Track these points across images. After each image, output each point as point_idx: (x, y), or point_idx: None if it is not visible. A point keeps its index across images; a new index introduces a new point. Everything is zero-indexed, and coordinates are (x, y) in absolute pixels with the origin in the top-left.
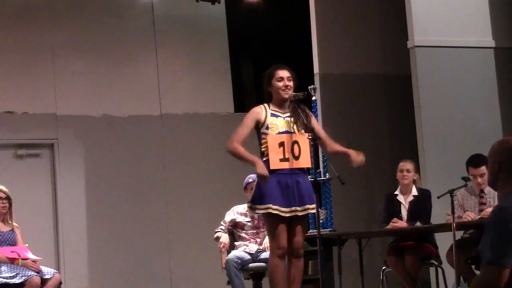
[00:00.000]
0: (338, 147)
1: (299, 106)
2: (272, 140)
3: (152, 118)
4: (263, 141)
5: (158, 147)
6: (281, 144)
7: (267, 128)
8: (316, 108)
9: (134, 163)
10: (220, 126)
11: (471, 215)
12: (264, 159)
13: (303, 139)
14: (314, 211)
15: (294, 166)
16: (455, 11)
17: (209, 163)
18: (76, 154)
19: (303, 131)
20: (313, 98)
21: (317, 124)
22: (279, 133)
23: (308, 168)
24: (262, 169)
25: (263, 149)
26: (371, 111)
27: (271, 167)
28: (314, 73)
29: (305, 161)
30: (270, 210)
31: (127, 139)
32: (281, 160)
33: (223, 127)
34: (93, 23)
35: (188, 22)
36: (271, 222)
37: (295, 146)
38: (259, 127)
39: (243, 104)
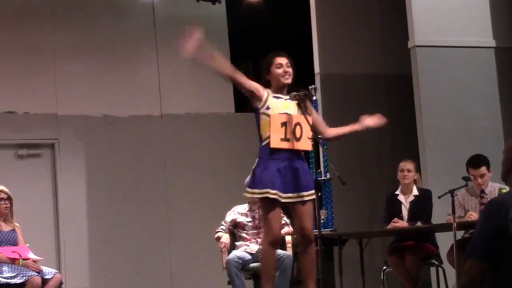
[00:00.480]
0: (339, 130)
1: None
2: (274, 119)
3: (153, 118)
4: (262, 122)
5: (159, 147)
6: (283, 124)
7: (268, 108)
8: (317, 108)
9: (135, 163)
10: (220, 126)
11: (474, 215)
12: (263, 143)
13: (304, 121)
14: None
15: (295, 147)
16: (456, 11)
17: (210, 163)
18: (77, 154)
19: (302, 111)
20: (314, 98)
21: (316, 115)
22: (281, 113)
23: (308, 154)
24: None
25: (262, 133)
26: (371, 111)
27: (271, 145)
28: (315, 73)
29: (305, 143)
30: (267, 195)
31: (128, 139)
32: (282, 139)
33: (224, 127)
34: (94, 23)
35: (189, 22)
36: (267, 208)
37: (297, 127)
38: (259, 107)
39: (243, 104)
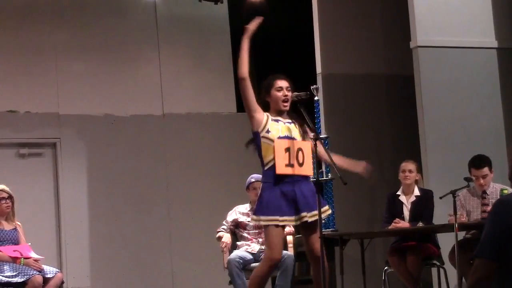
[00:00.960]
0: (339, 161)
1: (300, 107)
2: (278, 144)
3: (154, 117)
4: (264, 146)
5: (161, 147)
6: (287, 150)
7: (268, 131)
8: (319, 108)
9: (136, 163)
10: (222, 126)
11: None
12: (266, 167)
13: (306, 147)
14: (328, 212)
15: (297, 173)
16: (458, 11)
17: (211, 162)
18: (79, 153)
19: (305, 136)
20: (316, 98)
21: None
22: (280, 137)
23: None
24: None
25: (264, 156)
26: (373, 111)
27: (277, 172)
28: (317, 73)
29: (308, 169)
30: (277, 222)
31: (129, 139)
32: (287, 165)
33: (226, 126)
34: (95, 22)
35: (191, 21)
36: (272, 233)
37: (300, 153)
38: (259, 131)
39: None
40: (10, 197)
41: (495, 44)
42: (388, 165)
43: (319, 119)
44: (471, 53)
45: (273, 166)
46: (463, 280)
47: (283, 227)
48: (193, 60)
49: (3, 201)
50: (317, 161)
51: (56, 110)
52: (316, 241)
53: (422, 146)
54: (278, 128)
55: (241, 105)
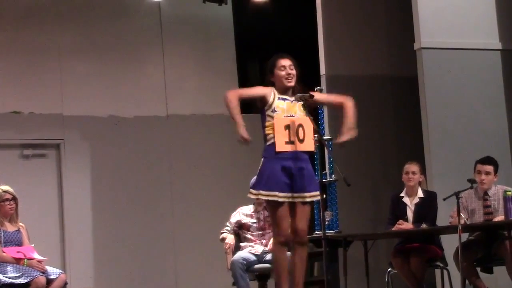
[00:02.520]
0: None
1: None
2: (278, 122)
3: (158, 119)
4: (267, 123)
5: (165, 148)
6: (287, 127)
7: (273, 111)
8: (322, 110)
9: (140, 164)
10: (226, 127)
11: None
12: (268, 143)
13: (307, 122)
14: (318, 197)
15: (298, 149)
16: (462, 13)
17: (215, 164)
18: (82, 154)
19: (307, 112)
20: None
21: (328, 96)
22: (285, 116)
23: (311, 154)
24: (243, 132)
25: (266, 132)
26: (377, 112)
27: (277, 149)
28: (321, 74)
29: (309, 144)
30: (276, 198)
31: (133, 140)
32: (287, 142)
33: (230, 128)
34: (99, 24)
35: (195, 23)
36: (274, 209)
37: (300, 129)
38: (265, 109)
39: (249, 105)
40: (14, 198)
41: (499, 45)
42: (392, 166)
43: (323, 121)
44: (475, 54)
45: (274, 143)
46: (467, 282)
47: (287, 204)
48: (197, 61)
49: (7, 203)
50: (321, 163)
51: (60, 111)
52: (303, 220)
53: (426, 147)
54: (283, 108)
55: (245, 107)
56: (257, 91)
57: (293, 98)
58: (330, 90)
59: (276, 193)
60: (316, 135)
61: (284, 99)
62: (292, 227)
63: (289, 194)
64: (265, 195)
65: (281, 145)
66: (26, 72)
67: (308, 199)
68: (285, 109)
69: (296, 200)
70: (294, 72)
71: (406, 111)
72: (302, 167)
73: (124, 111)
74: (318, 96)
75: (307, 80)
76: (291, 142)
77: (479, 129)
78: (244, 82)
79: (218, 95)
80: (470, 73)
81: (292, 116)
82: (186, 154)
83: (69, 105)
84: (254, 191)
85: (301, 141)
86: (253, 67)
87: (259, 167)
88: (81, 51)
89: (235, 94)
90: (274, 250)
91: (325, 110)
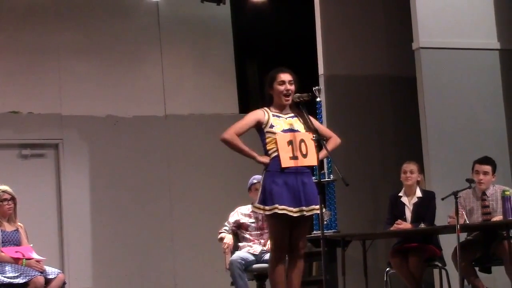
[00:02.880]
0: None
1: (302, 109)
2: (281, 138)
3: (156, 118)
4: (268, 139)
5: (163, 148)
6: (290, 143)
7: (271, 126)
8: (321, 110)
9: (138, 164)
10: (224, 127)
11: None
12: (271, 157)
13: (308, 138)
14: (317, 211)
15: (301, 164)
16: (460, 12)
17: (213, 164)
18: (81, 154)
19: (306, 126)
20: (318, 99)
21: (320, 125)
22: (283, 131)
23: (312, 168)
24: (262, 159)
25: (268, 148)
26: (375, 112)
27: (283, 165)
28: (319, 74)
29: (312, 159)
30: (276, 210)
31: (131, 140)
32: (291, 158)
33: (228, 128)
34: (98, 23)
35: (193, 22)
36: (275, 223)
37: (302, 144)
38: (262, 127)
39: (248, 105)
40: (12, 198)
41: (497, 45)
42: (391, 166)
43: (321, 121)
44: (474, 54)
45: (277, 157)
46: (465, 281)
47: (288, 219)
48: (195, 61)
49: (5, 203)
50: (319, 162)
51: (58, 111)
52: (299, 237)
53: (424, 147)
54: (280, 123)
55: (244, 106)
56: (250, 120)
57: (288, 115)
58: (328, 90)
59: (276, 205)
60: (314, 135)
61: (278, 117)
62: (291, 242)
63: (292, 208)
64: (268, 210)
65: (286, 161)
66: (25, 72)
67: (308, 213)
68: (283, 124)
69: (297, 214)
70: (293, 88)
71: (404, 111)
72: (305, 182)
73: (122, 111)
74: (312, 119)
75: (306, 80)
76: (295, 158)
77: (478, 128)
78: (242, 82)
79: (217, 95)
80: (469, 72)
81: (291, 130)
82: (184, 153)
83: (68, 105)
84: (259, 206)
85: (304, 156)
86: (251, 67)
87: (261, 181)
88: (80, 51)
89: (232, 133)
90: (271, 265)
91: (324, 110)
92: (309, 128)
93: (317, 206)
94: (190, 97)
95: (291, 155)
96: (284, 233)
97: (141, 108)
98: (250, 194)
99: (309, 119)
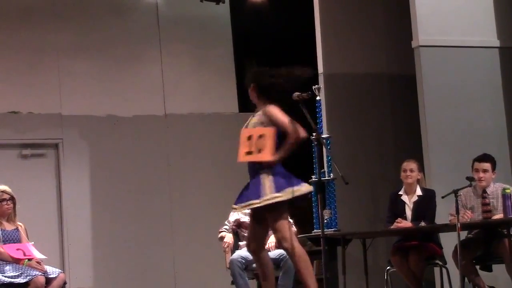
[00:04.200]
0: None
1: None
2: (242, 134)
3: (156, 118)
4: None
5: (163, 147)
6: (249, 138)
7: (246, 126)
8: (320, 108)
9: (138, 163)
10: (224, 126)
11: (468, 214)
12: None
13: (269, 132)
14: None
15: (254, 159)
16: (460, 10)
17: (213, 163)
18: (81, 154)
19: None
20: (317, 98)
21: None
22: (246, 126)
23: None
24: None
25: None
26: (375, 111)
27: (238, 160)
28: (318, 72)
29: (266, 154)
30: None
31: (131, 139)
32: (247, 153)
33: (228, 127)
34: (97, 23)
35: (193, 22)
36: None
37: (260, 139)
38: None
39: (247, 104)
40: (11, 198)
41: (497, 43)
42: (390, 164)
43: (321, 119)
44: (473, 52)
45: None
46: (466, 279)
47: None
48: (195, 60)
49: (4, 202)
50: (319, 162)
51: (58, 110)
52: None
53: (424, 145)
54: (250, 122)
55: (243, 105)
56: None
57: (257, 112)
58: (328, 88)
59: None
60: (314, 134)
61: (254, 115)
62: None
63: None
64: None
65: (242, 156)
66: (25, 72)
67: (242, 210)
68: (250, 122)
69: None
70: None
71: (404, 109)
72: (253, 179)
73: (122, 110)
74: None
75: (305, 78)
76: (249, 153)
77: (477, 126)
78: (242, 81)
79: (216, 94)
80: (468, 70)
81: (254, 126)
82: (184, 152)
83: (68, 105)
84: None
85: (259, 150)
86: (251, 66)
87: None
88: (80, 50)
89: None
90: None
91: (323, 109)
92: (270, 124)
93: (244, 204)
94: (190, 96)
95: (247, 150)
96: (250, 231)
97: (141, 107)
98: None
99: (309, 119)
